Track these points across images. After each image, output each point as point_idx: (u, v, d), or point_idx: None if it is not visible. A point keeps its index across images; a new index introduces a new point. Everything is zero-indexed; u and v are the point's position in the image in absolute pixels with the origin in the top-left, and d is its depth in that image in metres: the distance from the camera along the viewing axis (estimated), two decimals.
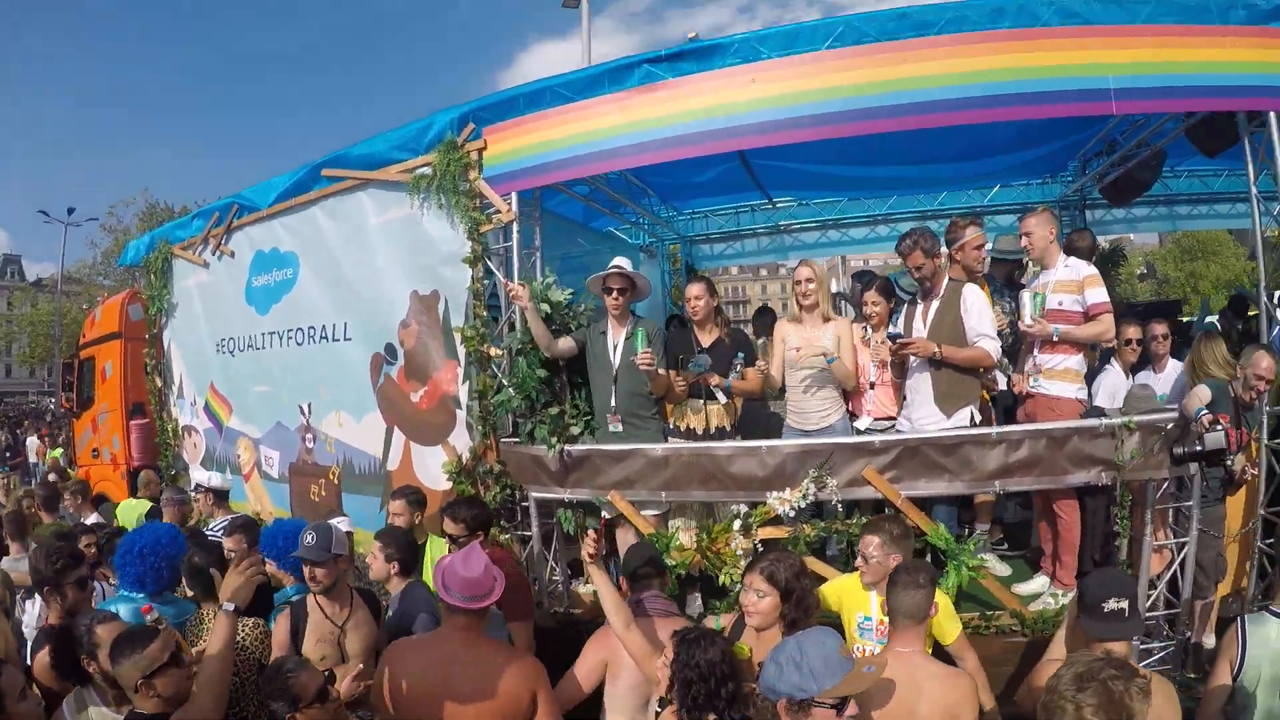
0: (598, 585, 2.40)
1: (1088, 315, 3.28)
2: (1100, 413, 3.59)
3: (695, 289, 3.56)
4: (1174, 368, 3.98)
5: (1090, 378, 3.95)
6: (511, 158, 3.73)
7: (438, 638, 2.26)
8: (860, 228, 6.64)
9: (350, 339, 4.28)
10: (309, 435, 4.58)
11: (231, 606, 2.08)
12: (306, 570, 2.59)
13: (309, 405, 4.57)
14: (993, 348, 3.29)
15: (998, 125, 4.03)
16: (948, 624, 2.51)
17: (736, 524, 3.26)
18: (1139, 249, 26.19)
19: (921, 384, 3.35)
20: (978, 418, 3.36)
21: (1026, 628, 3.13)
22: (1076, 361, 3.36)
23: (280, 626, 2.58)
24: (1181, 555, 3.22)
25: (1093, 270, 3.34)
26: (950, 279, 3.41)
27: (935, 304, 3.35)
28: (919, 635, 2.16)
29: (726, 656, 1.98)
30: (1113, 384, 3.93)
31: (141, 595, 2.67)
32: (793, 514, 3.20)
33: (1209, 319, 6.26)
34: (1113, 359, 4.03)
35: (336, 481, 4.42)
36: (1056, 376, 3.35)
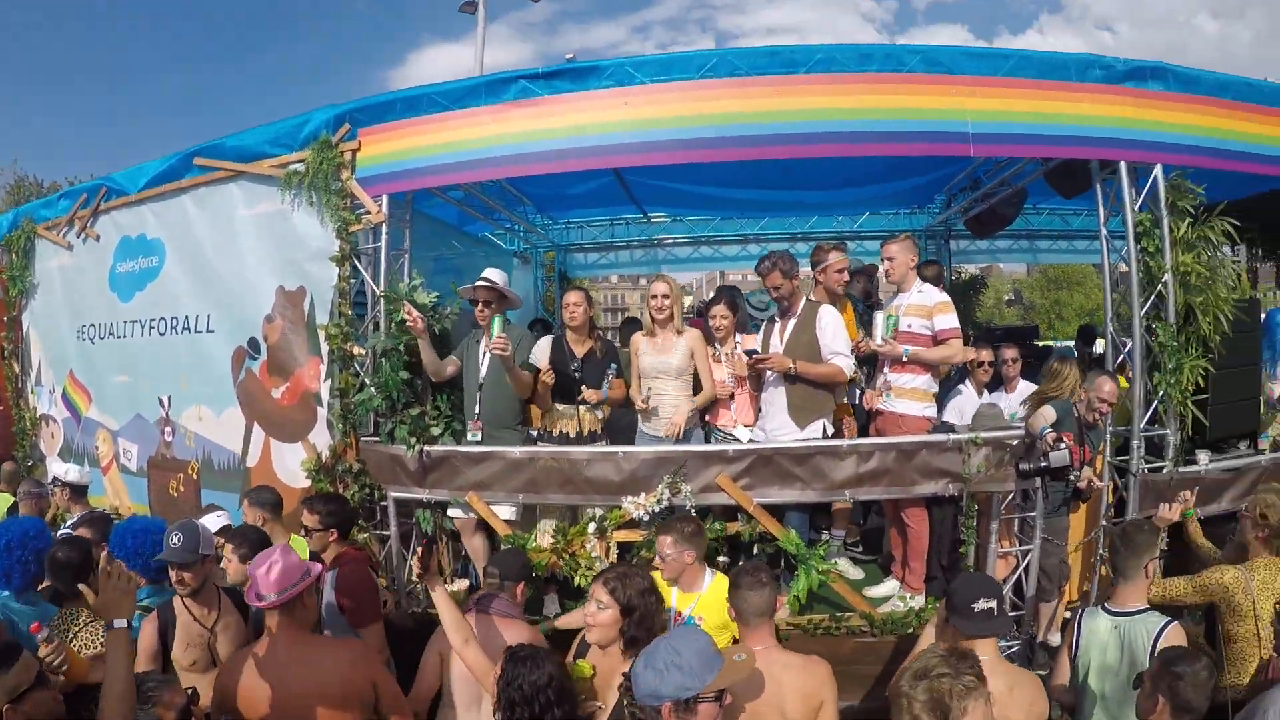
0: (436, 602, 2.38)
1: (936, 339, 3.52)
2: (949, 428, 3.83)
3: (573, 296, 3.68)
4: (1024, 388, 4.22)
5: (944, 396, 4.33)
6: (385, 160, 3.77)
7: (262, 643, 2.23)
8: (732, 245, 6.92)
9: (213, 331, 4.21)
10: (168, 428, 4.46)
11: (123, 623, 1.88)
12: (173, 574, 2.51)
13: (169, 398, 4.46)
14: (846, 364, 3.49)
15: (866, 158, 4.28)
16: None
17: (591, 527, 3.37)
18: (1007, 277, 28.02)
19: (776, 397, 3.54)
20: (829, 430, 3.56)
21: (876, 628, 3.31)
22: (925, 381, 3.58)
23: (147, 632, 2.49)
24: (1025, 562, 3.47)
25: (944, 298, 3.59)
26: (808, 299, 3.60)
27: (792, 322, 3.55)
28: (769, 631, 2.24)
29: (555, 680, 1.96)
30: (962, 403, 4.21)
31: (8, 593, 2.57)
32: (647, 518, 3.31)
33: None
34: (967, 379, 4.34)
35: (195, 477, 4.32)
36: (905, 395, 3.58)
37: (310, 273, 3.85)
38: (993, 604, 2.18)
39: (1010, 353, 4.32)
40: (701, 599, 2.67)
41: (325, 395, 3.79)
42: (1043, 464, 3.16)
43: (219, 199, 4.14)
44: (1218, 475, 3.76)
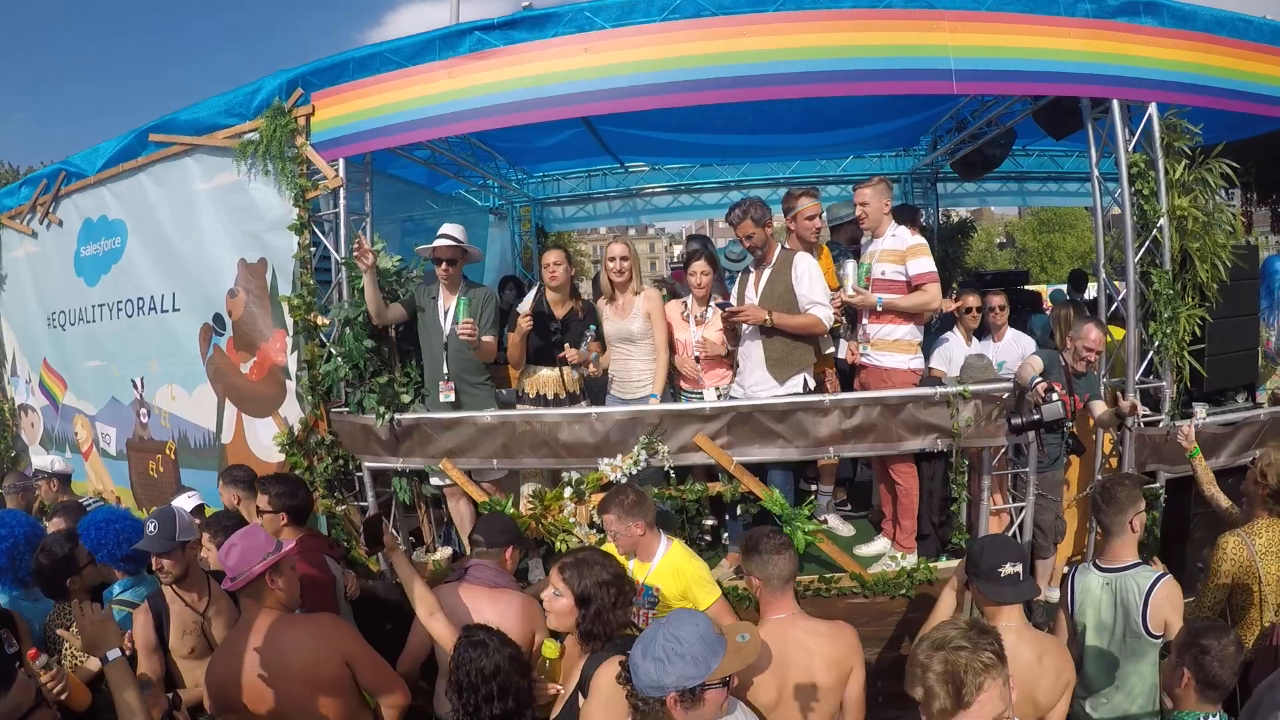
0: (399, 572, 2.35)
1: (911, 285, 3.33)
2: (938, 381, 3.74)
3: (553, 256, 3.57)
4: (1012, 337, 4.14)
5: (931, 345, 4.20)
6: (340, 123, 3.65)
7: (237, 628, 2.19)
8: (713, 193, 6.78)
9: (179, 309, 4.14)
10: (143, 410, 4.43)
11: (116, 653, 1.87)
12: (154, 562, 2.46)
13: (141, 379, 4.41)
14: (824, 315, 3.35)
15: (845, 100, 4.12)
16: (699, 592, 2.56)
17: (568, 491, 3.30)
18: (998, 220, 27.76)
19: (753, 351, 3.41)
20: (811, 384, 3.43)
21: (867, 590, 3.25)
22: (907, 331, 3.40)
23: (140, 624, 2.43)
24: (1020, 519, 3.44)
25: (918, 240, 3.38)
26: (783, 247, 3.46)
27: (767, 272, 3.39)
28: (793, 597, 2.20)
29: (502, 671, 1.91)
30: (950, 350, 4.09)
31: (18, 592, 2.57)
32: (624, 480, 3.24)
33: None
34: (955, 327, 4.20)
35: (173, 457, 4.29)
36: (886, 348, 3.42)
37: (270, 243, 3.78)
38: (1018, 568, 2.09)
39: (997, 300, 4.15)
40: (657, 569, 2.58)
41: (293, 368, 3.73)
42: (1035, 416, 3.08)
43: (176, 174, 4.04)
44: (1215, 429, 3.61)
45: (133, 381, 4.46)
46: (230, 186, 3.86)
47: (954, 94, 3.64)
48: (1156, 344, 3.49)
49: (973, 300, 4.09)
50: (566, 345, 3.42)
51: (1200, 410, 3.60)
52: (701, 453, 3.26)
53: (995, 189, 6.54)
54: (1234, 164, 3.57)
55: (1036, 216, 22.93)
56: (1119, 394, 3.53)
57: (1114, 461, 3.66)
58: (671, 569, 2.56)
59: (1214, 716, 1.92)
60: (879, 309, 3.36)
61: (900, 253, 3.35)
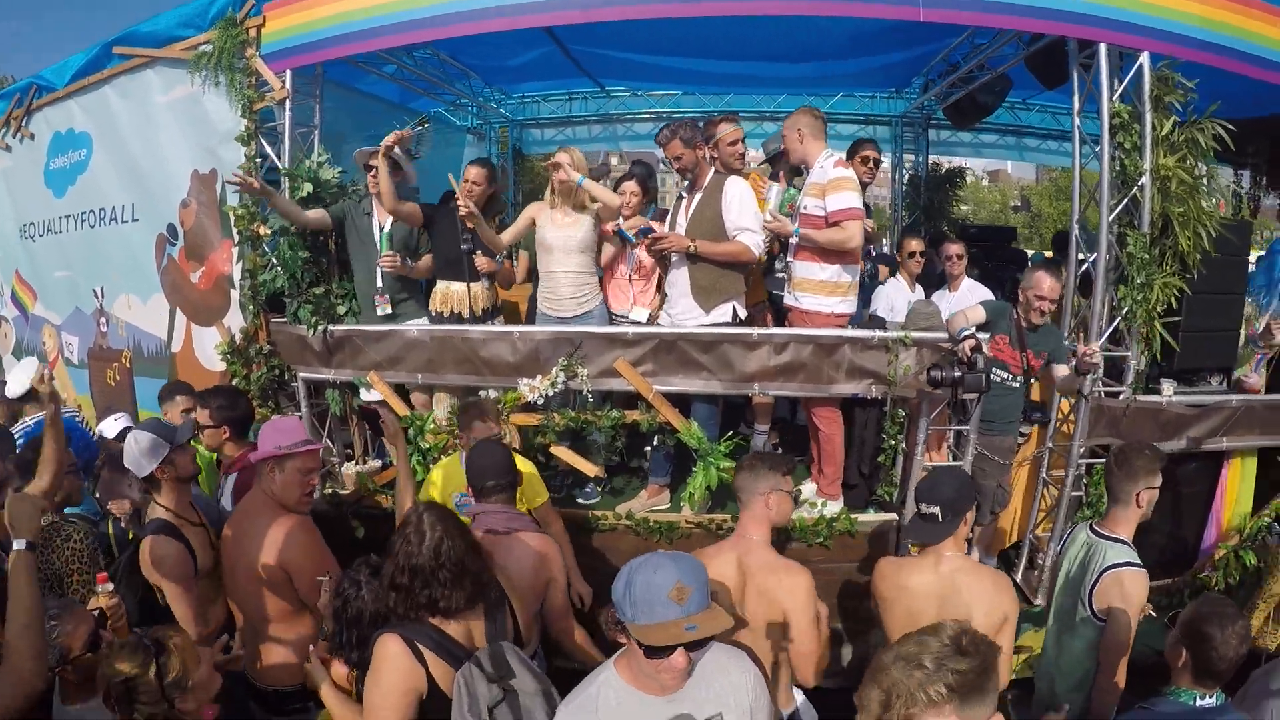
0: (398, 466, 2.55)
1: (829, 221, 3.16)
2: (880, 324, 3.65)
3: (474, 173, 3.53)
4: (968, 288, 4.06)
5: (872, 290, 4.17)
6: (289, 34, 3.72)
7: (248, 498, 2.40)
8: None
9: (138, 220, 4.30)
10: (103, 319, 4.63)
11: (22, 544, 1.72)
12: (160, 470, 2.33)
13: (102, 289, 4.61)
14: (753, 241, 3.23)
15: (827, 28, 4.16)
16: (528, 490, 2.70)
17: (507, 420, 3.30)
18: (1015, 182, 27.02)
19: (679, 278, 3.34)
20: (741, 314, 3.33)
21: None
22: (834, 272, 3.24)
23: (183, 558, 2.27)
24: None
25: (842, 173, 3.18)
26: (715, 171, 3.37)
27: (698, 197, 3.30)
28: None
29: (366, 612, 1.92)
30: (892, 295, 4.05)
31: None
32: (541, 401, 3.31)
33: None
34: (898, 271, 4.17)
35: (128, 365, 4.49)
36: (810, 289, 3.29)
37: (221, 155, 3.88)
38: (935, 509, 2.14)
39: (955, 248, 4.08)
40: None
41: (237, 277, 3.88)
42: (955, 374, 2.95)
43: (137, 87, 4.17)
44: (1181, 409, 3.52)
45: (94, 291, 4.66)
46: (186, 99, 3.97)
47: (919, 20, 3.57)
48: (1125, 310, 3.36)
49: (915, 245, 4.05)
50: (479, 254, 3.47)
51: (1167, 387, 3.52)
52: (622, 378, 3.27)
53: (992, 140, 6.41)
54: (1230, 126, 3.34)
55: (1055, 182, 22.18)
56: (1078, 343, 3.41)
57: (1068, 429, 3.63)
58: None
59: (1210, 697, 1.92)
60: (795, 239, 3.27)
61: (822, 186, 3.17)
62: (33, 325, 5.27)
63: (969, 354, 2.95)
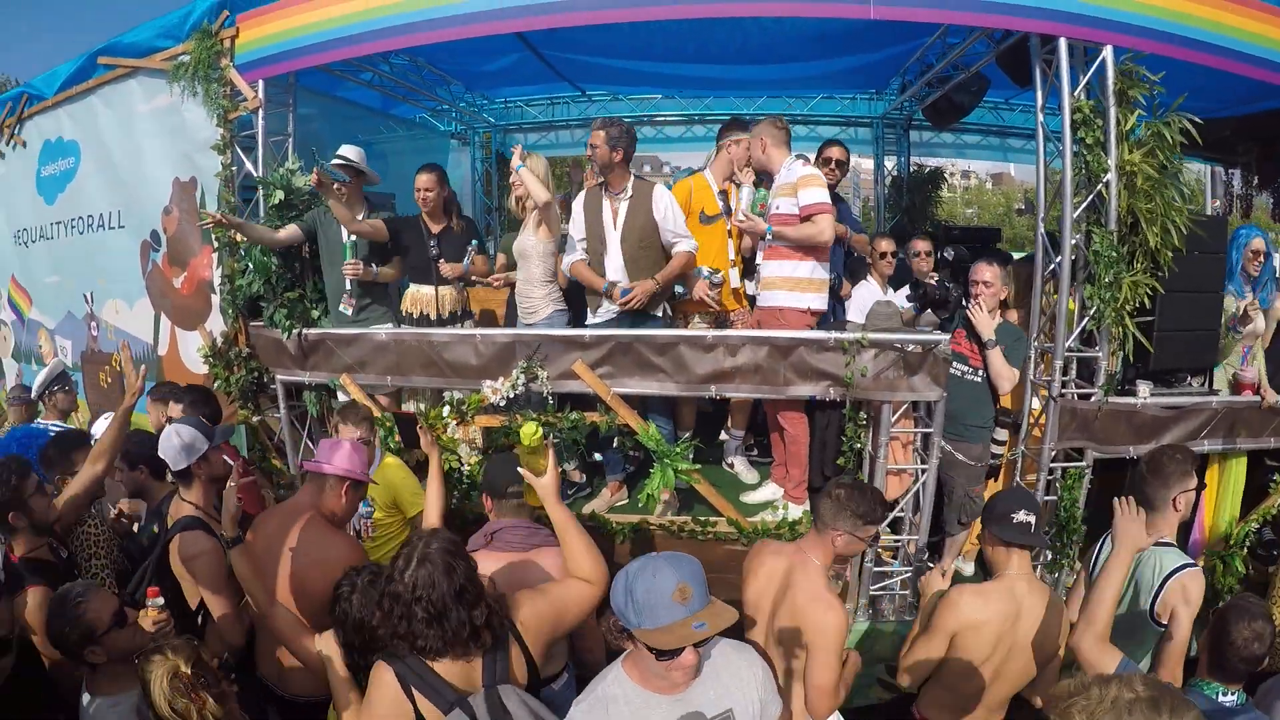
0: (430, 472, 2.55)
1: (801, 217, 3.28)
2: (858, 327, 3.81)
3: (424, 179, 3.70)
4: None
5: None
6: (262, 44, 3.89)
7: (290, 502, 2.39)
8: (675, 126, 6.89)
9: (123, 226, 4.51)
10: (93, 323, 4.85)
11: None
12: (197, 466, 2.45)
13: (91, 294, 4.84)
14: (689, 245, 3.40)
15: (792, 30, 4.28)
16: (406, 500, 2.90)
17: (446, 410, 3.47)
18: (1019, 185, 26.76)
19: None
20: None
21: (744, 536, 3.32)
22: (807, 269, 3.35)
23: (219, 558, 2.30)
24: (921, 481, 3.38)
25: (810, 171, 3.33)
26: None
27: (625, 203, 3.41)
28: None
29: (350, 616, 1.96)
30: (864, 297, 4.01)
31: None
32: (503, 403, 3.42)
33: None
34: (870, 273, 4.17)
35: (119, 368, 4.78)
36: (779, 285, 3.40)
37: (199, 163, 4.07)
38: (1032, 519, 2.18)
39: (922, 245, 4.12)
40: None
41: (216, 282, 4.08)
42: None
43: (121, 96, 4.37)
44: (1157, 411, 3.53)
45: (85, 295, 4.89)
46: (167, 108, 4.15)
47: (869, 18, 3.64)
48: (1093, 309, 3.37)
49: (886, 245, 4.06)
50: (442, 261, 3.64)
51: (1143, 388, 3.53)
52: (581, 380, 3.37)
53: (975, 141, 6.45)
54: (1196, 120, 3.34)
55: (1056, 185, 22.16)
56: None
57: (1038, 433, 3.62)
58: (383, 481, 2.91)
59: (1231, 694, 1.94)
60: (768, 237, 3.37)
61: (793, 184, 3.30)
62: (29, 329, 5.54)
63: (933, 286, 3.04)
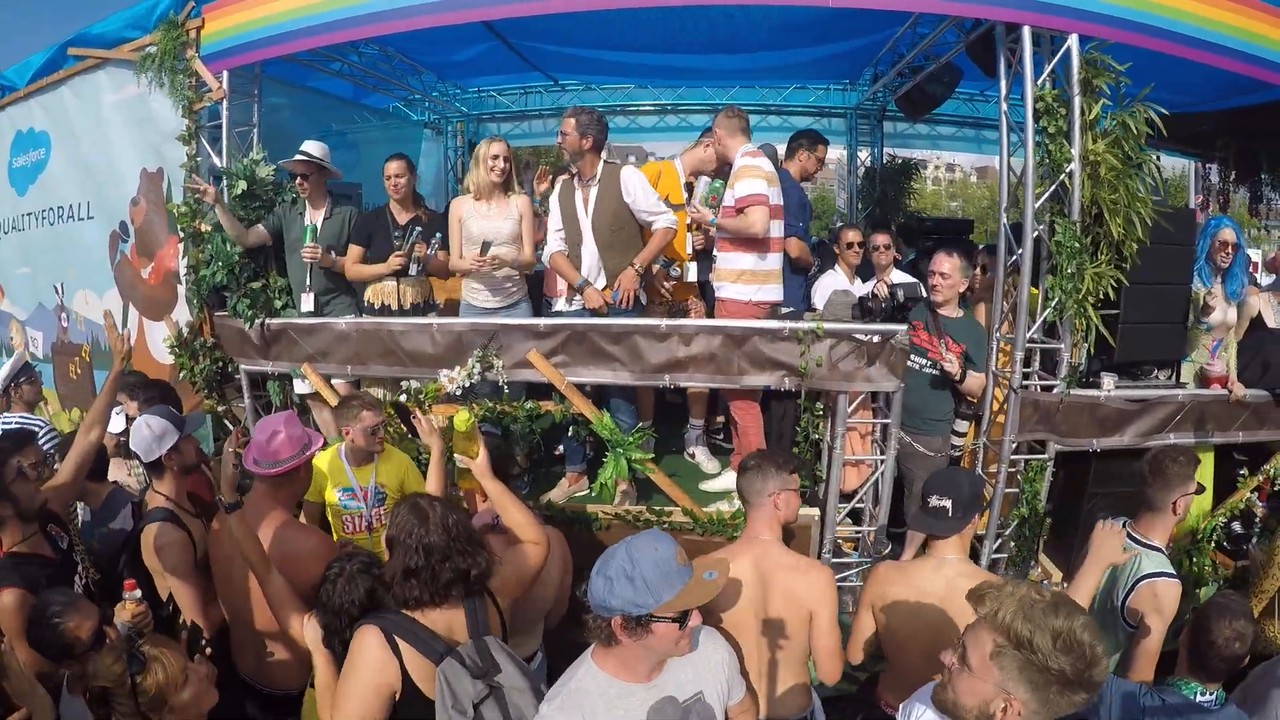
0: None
1: (737, 210, 3.32)
2: (815, 317, 3.87)
3: (394, 166, 3.76)
4: (897, 279, 3.98)
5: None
6: (227, 35, 3.97)
7: (247, 500, 2.25)
8: (649, 116, 6.94)
9: (92, 218, 4.58)
10: (63, 315, 4.93)
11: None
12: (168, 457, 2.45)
13: (62, 285, 4.91)
14: (667, 220, 3.42)
15: (759, 19, 4.35)
16: (413, 478, 2.93)
17: (403, 398, 3.54)
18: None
19: (591, 264, 3.51)
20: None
21: (700, 526, 3.38)
22: (751, 261, 3.40)
23: (189, 557, 2.34)
24: (878, 472, 3.44)
25: (749, 161, 3.36)
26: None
27: (595, 189, 3.45)
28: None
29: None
30: (830, 288, 4.03)
31: None
32: (459, 392, 3.49)
33: None
34: (836, 264, 4.26)
35: (88, 359, 4.82)
36: (726, 278, 3.46)
37: (166, 154, 4.14)
38: (946, 503, 2.12)
39: (882, 238, 4.16)
40: (379, 466, 2.95)
41: (182, 272, 4.18)
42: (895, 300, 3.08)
43: (90, 87, 4.44)
44: (1121, 404, 3.56)
45: (55, 287, 4.97)
46: (134, 99, 4.23)
47: (829, 6, 3.65)
48: (1055, 300, 3.39)
49: (852, 236, 4.13)
50: (398, 253, 3.66)
51: (1107, 381, 3.56)
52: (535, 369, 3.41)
53: (950, 134, 6.49)
54: (1162, 110, 3.34)
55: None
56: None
57: (999, 424, 3.62)
58: (389, 462, 2.94)
59: (1210, 693, 1.96)
60: (710, 227, 3.43)
61: (734, 177, 3.36)
62: (1, 321, 5.68)
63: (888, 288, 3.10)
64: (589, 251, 3.51)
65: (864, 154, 6.79)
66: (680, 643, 1.55)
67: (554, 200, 3.64)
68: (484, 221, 3.66)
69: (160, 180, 4.25)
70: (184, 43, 4.03)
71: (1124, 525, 2.43)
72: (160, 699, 1.62)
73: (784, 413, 3.61)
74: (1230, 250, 3.81)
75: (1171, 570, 2.33)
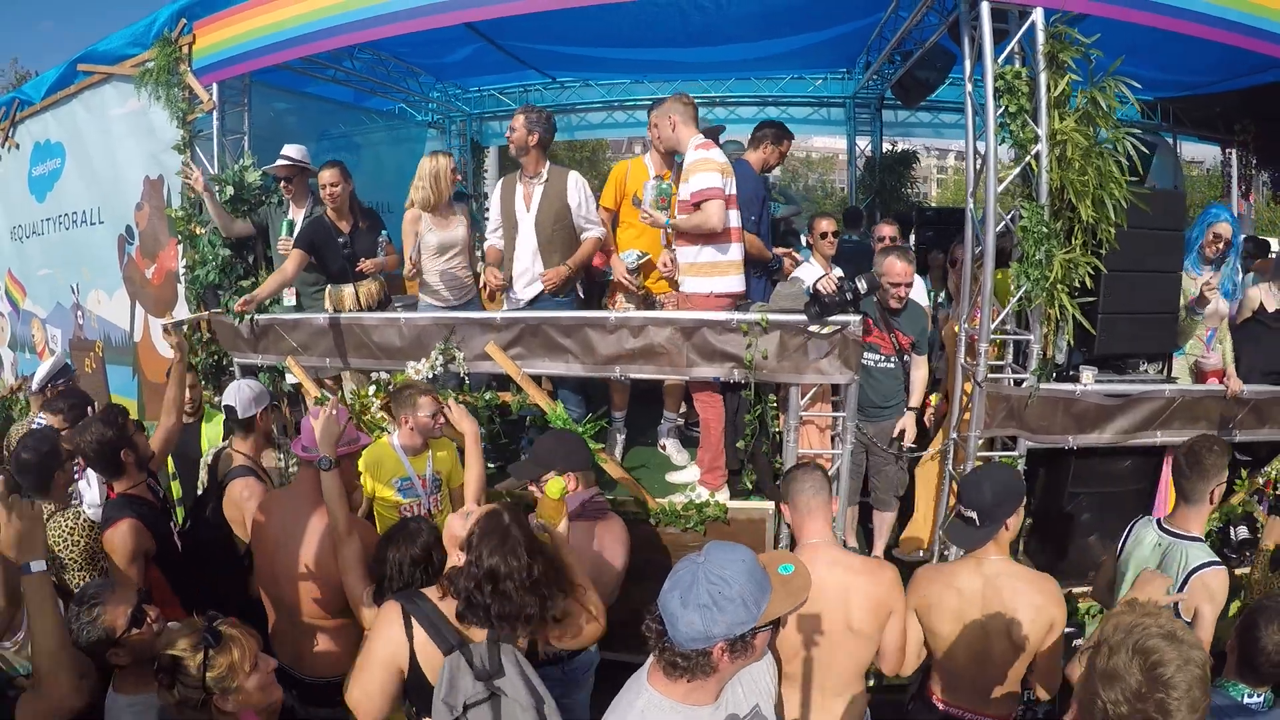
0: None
1: (694, 205, 3.34)
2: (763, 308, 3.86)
3: (328, 175, 3.95)
4: (807, 272, 3.99)
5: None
6: (217, 49, 4.38)
7: (294, 488, 2.50)
8: (646, 110, 7.15)
9: (103, 222, 5.12)
10: (79, 313, 5.50)
11: (41, 565, 1.82)
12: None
13: (77, 285, 5.49)
14: (598, 233, 3.69)
15: (736, 9, 4.58)
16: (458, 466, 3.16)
17: (371, 389, 3.83)
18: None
19: (534, 267, 3.78)
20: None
21: (652, 516, 3.47)
22: (710, 254, 3.44)
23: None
24: (835, 466, 3.47)
25: (701, 155, 3.37)
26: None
27: (539, 188, 3.65)
28: (826, 522, 2.23)
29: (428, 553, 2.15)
30: (804, 279, 4.30)
31: None
32: (425, 383, 3.65)
33: None
34: (812, 254, 4.36)
35: (101, 354, 5.36)
36: (687, 271, 3.52)
37: (165, 162, 4.62)
38: (973, 514, 2.16)
39: (888, 230, 4.28)
40: (434, 454, 3.10)
41: (181, 272, 4.66)
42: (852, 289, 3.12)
43: (98, 100, 4.96)
44: (1100, 400, 3.48)
45: (71, 287, 5.56)
46: (137, 111, 4.71)
47: None
48: (1022, 289, 3.33)
49: (826, 225, 4.21)
50: (362, 259, 4.01)
51: (1086, 375, 3.51)
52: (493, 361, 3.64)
53: (952, 121, 6.53)
54: (1134, 83, 3.28)
55: None
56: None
57: (967, 418, 3.59)
58: (443, 449, 3.13)
59: (1258, 694, 1.95)
60: (667, 228, 3.57)
61: (687, 171, 3.41)
62: (23, 320, 6.29)
63: (835, 285, 3.15)
64: (527, 248, 3.74)
65: (864, 143, 6.86)
66: (761, 649, 1.52)
67: (494, 197, 3.89)
68: (442, 233, 3.97)
69: (161, 187, 4.77)
70: (177, 58, 4.49)
71: (1155, 523, 2.49)
72: (228, 680, 1.66)
73: (738, 405, 3.71)
74: (1222, 245, 3.78)
75: (1217, 558, 2.36)
